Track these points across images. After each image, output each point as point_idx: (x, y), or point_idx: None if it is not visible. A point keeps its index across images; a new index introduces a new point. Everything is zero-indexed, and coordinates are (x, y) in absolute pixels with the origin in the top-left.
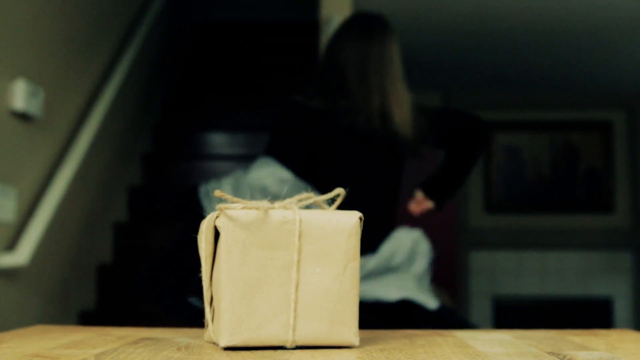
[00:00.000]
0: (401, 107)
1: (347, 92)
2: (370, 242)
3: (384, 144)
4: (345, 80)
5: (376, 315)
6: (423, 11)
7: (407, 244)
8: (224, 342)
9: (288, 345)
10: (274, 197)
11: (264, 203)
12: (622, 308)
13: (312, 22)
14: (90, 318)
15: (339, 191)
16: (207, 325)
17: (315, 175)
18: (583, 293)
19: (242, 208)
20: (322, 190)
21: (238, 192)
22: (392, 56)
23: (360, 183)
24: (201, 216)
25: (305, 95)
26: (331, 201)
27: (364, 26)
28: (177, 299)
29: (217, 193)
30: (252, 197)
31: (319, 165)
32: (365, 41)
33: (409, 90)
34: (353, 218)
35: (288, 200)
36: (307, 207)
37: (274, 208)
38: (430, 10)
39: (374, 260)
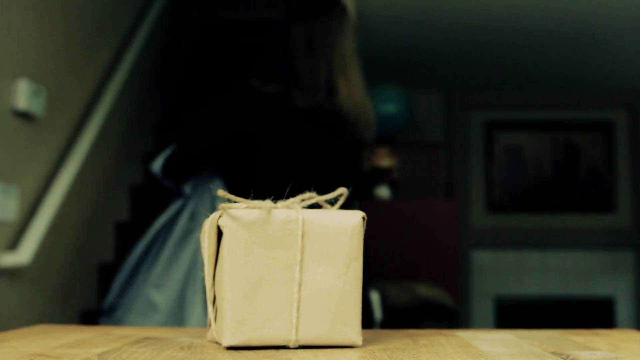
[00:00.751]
0: (349, 83)
1: (296, 71)
2: None
3: (330, 122)
4: (294, 59)
5: None
6: (424, 11)
7: None
8: (226, 342)
9: (291, 344)
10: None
11: (267, 203)
12: (624, 308)
13: None
14: (91, 317)
15: (342, 191)
16: (210, 325)
17: (265, 164)
18: (585, 293)
19: (245, 207)
20: (271, 182)
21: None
22: (340, 31)
23: (311, 170)
24: None
25: (260, 80)
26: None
27: (309, 4)
28: None
29: (221, 193)
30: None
31: (269, 155)
32: (311, 18)
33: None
34: (356, 217)
35: (291, 200)
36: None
37: (277, 207)
38: (431, 10)
39: None
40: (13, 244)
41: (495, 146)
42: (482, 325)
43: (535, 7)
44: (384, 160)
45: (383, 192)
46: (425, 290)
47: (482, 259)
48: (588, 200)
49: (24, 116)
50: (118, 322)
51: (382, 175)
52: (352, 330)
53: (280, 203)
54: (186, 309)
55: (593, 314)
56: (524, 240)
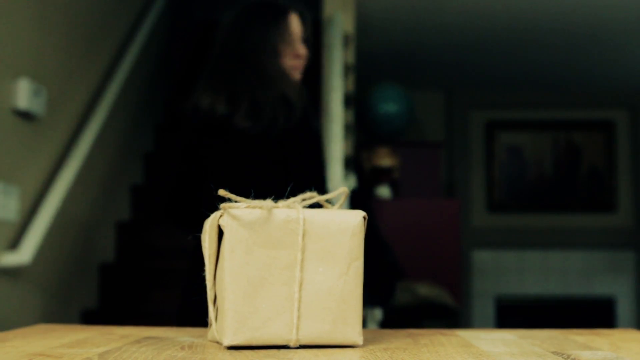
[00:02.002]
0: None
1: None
2: None
3: (238, 130)
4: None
5: None
6: (424, 11)
7: None
8: (227, 342)
9: (291, 344)
10: None
11: (268, 202)
12: (624, 307)
13: (314, 20)
14: (92, 316)
15: (342, 190)
16: (211, 325)
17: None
18: (585, 292)
19: (246, 207)
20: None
21: None
22: (242, 29)
23: (223, 174)
24: None
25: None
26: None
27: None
28: None
29: (222, 192)
30: None
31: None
32: (229, 25)
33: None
34: (357, 217)
35: (291, 200)
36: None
37: (277, 207)
38: (431, 10)
39: None
40: (14, 244)
41: (495, 146)
42: (482, 325)
43: (536, 7)
44: (385, 160)
45: (383, 192)
46: (426, 290)
47: (483, 258)
48: (589, 200)
49: (25, 116)
50: None
51: (382, 175)
52: (353, 330)
53: (281, 202)
54: None
55: (593, 314)
56: (524, 240)
